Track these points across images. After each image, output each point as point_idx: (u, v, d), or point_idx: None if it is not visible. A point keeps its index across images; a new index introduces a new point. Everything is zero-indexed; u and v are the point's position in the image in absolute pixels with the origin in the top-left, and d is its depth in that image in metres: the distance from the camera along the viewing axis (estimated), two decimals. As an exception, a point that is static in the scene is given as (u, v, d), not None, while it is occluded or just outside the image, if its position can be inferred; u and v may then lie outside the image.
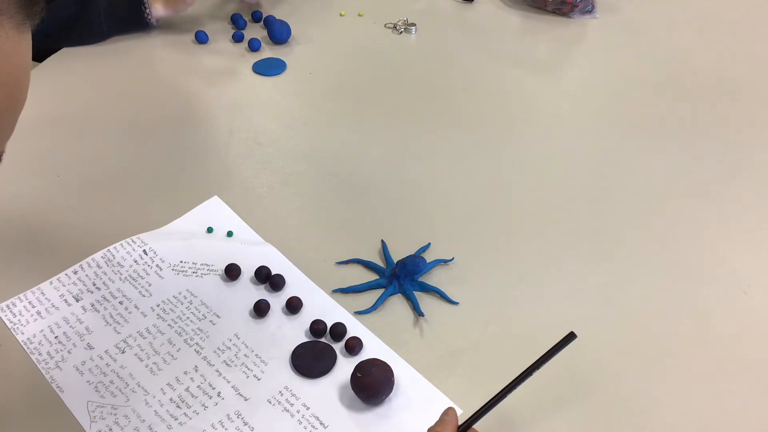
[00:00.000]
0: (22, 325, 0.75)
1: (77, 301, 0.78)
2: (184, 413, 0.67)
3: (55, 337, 0.74)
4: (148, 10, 1.18)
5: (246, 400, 0.69)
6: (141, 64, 1.17)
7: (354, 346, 0.72)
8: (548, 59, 1.23)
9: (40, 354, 0.72)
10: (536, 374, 0.71)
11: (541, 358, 0.61)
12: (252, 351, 0.73)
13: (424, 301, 0.77)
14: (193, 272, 0.81)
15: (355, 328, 0.75)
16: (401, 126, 1.05)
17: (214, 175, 0.94)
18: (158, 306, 0.77)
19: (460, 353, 0.72)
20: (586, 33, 1.27)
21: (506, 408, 0.68)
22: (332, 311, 0.77)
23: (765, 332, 0.75)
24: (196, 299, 0.78)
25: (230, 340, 0.74)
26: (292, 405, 0.68)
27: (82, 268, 0.81)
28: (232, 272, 0.80)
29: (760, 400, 0.69)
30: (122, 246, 0.83)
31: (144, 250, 0.83)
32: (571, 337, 0.62)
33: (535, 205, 0.91)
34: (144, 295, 0.78)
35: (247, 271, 0.81)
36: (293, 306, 0.76)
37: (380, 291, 0.79)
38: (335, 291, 0.79)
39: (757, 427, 0.67)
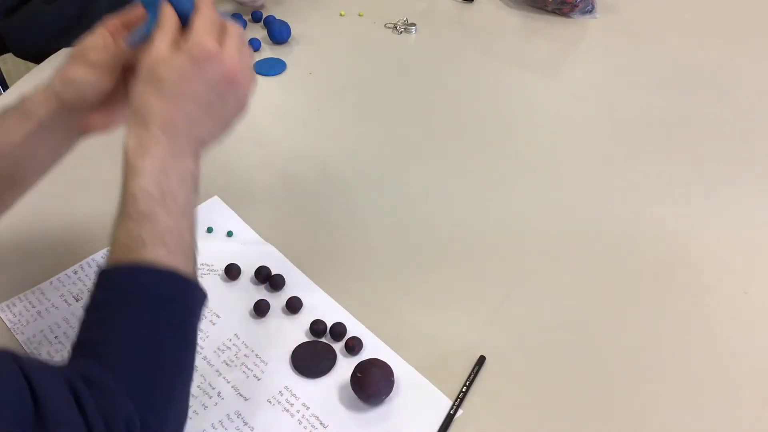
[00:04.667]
0: (22, 325, 0.75)
1: (77, 301, 0.78)
2: (184, 413, 0.67)
3: (55, 337, 0.74)
4: (148, 10, 1.18)
5: (246, 400, 0.69)
6: (141, 64, 1.17)
7: (354, 346, 0.72)
8: (548, 59, 1.23)
9: (40, 354, 0.72)
10: (533, 376, 0.71)
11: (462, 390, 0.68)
12: (252, 351, 0.73)
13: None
14: (193, 272, 0.81)
15: (355, 328, 0.75)
16: (401, 126, 1.04)
17: (214, 175, 0.94)
18: (158, 306, 0.77)
19: (460, 353, 0.72)
20: (586, 33, 1.27)
21: (506, 408, 0.68)
22: (332, 311, 0.77)
23: (765, 332, 0.75)
24: (196, 299, 0.78)
25: (230, 340, 0.74)
26: (292, 405, 0.68)
27: (82, 268, 0.81)
28: (232, 272, 0.80)
29: (761, 401, 0.69)
30: (122, 246, 0.83)
31: (144, 250, 0.83)
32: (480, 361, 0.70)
33: (534, 205, 0.91)
34: (144, 295, 0.78)
35: (247, 271, 0.81)
36: (293, 306, 0.76)
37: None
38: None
39: (757, 428, 0.67)
